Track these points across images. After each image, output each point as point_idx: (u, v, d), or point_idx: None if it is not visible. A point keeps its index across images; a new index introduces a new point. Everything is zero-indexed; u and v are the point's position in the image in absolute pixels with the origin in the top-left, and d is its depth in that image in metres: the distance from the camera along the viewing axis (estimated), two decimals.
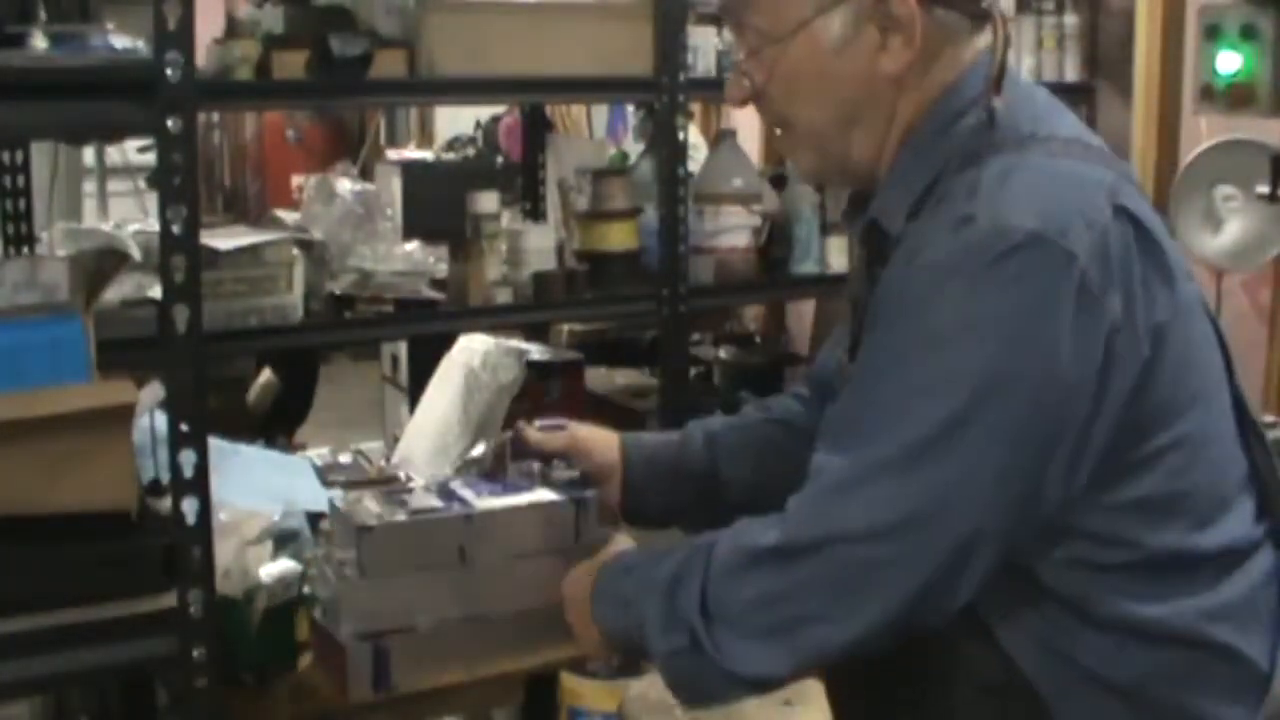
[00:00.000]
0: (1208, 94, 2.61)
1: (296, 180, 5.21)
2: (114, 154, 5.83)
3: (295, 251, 2.49)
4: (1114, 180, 1.21)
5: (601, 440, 1.76)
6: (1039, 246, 1.13)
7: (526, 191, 3.39)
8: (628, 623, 1.34)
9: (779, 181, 3.14)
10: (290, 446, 2.85)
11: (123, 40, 1.87)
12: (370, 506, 1.85)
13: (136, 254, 2.35)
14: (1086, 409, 1.15)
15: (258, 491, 2.14)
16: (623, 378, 3.35)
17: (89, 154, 5.54)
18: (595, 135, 4.97)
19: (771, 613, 1.21)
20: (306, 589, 1.94)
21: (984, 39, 1.29)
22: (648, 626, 1.30)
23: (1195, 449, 1.21)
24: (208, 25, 2.09)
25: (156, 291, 1.90)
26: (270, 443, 2.71)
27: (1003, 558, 1.18)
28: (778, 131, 1.38)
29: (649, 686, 2.43)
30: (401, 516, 1.83)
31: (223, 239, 2.44)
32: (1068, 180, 1.19)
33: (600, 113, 5.00)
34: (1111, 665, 1.21)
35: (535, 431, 1.82)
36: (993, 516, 1.16)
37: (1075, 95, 3.15)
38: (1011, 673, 1.22)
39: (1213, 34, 2.58)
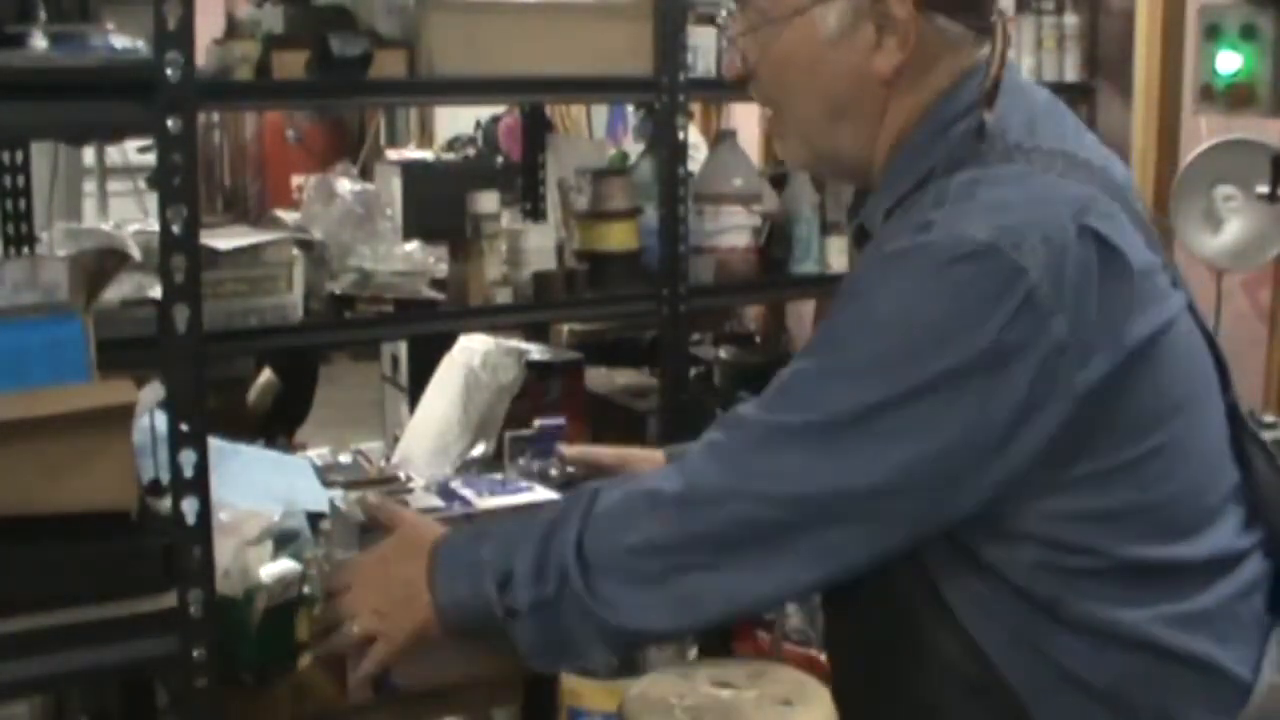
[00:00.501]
0: (1208, 94, 2.61)
1: (296, 180, 5.22)
2: (114, 154, 5.83)
3: (295, 251, 2.49)
4: (1089, 198, 1.20)
5: (649, 463, 1.74)
6: (988, 258, 1.14)
7: (526, 191, 3.39)
8: (476, 590, 1.30)
9: (779, 181, 3.14)
10: (290, 446, 2.85)
11: (123, 40, 1.87)
12: None
13: (136, 254, 2.35)
14: (1006, 422, 1.15)
15: (258, 491, 2.14)
16: (623, 378, 3.35)
17: (89, 154, 5.54)
18: (595, 135, 4.97)
19: (656, 559, 1.22)
20: (306, 589, 1.94)
21: (985, 48, 1.28)
22: (514, 581, 1.27)
23: (1174, 460, 1.21)
24: (208, 25, 2.09)
25: (156, 291, 1.90)
26: (270, 443, 2.71)
27: (903, 549, 1.21)
28: (768, 111, 1.40)
29: (649, 686, 2.43)
30: None
31: (223, 239, 2.44)
32: (1035, 196, 1.18)
33: (600, 113, 5.00)
34: (1088, 666, 1.21)
35: (591, 448, 1.82)
36: (888, 507, 1.19)
37: (1075, 95, 3.15)
38: (989, 671, 1.22)
39: (1213, 34, 2.58)
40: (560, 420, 2.07)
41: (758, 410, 1.25)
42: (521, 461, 2.00)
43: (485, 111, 5.98)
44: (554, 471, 1.98)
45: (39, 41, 1.82)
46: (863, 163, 1.33)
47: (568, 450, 1.85)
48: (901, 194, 1.27)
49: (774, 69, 1.32)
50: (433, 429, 2.62)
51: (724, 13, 1.56)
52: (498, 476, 2.01)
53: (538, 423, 2.05)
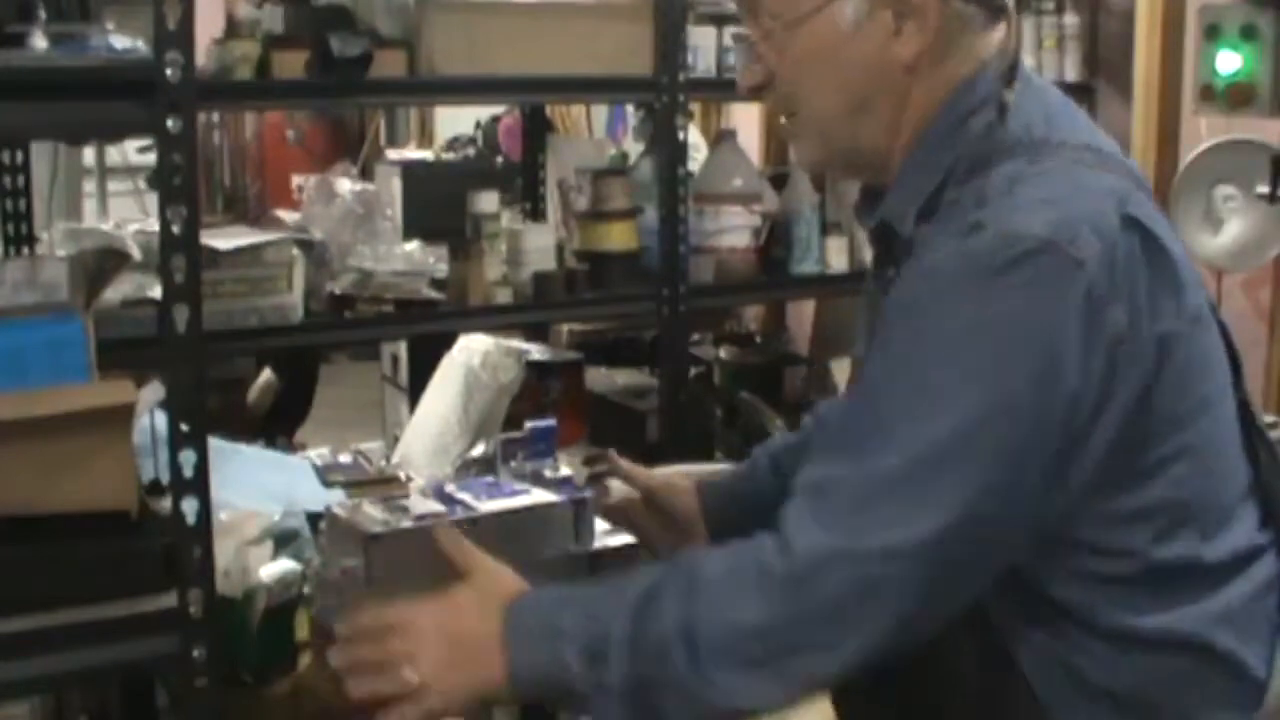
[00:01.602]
0: (1208, 94, 2.60)
1: (296, 180, 5.20)
2: (114, 154, 5.83)
3: (295, 251, 2.49)
4: (1125, 189, 1.20)
5: (684, 490, 1.71)
6: (1047, 253, 1.12)
7: (526, 191, 3.39)
8: (556, 659, 1.20)
9: (779, 181, 3.14)
10: (290, 446, 2.85)
11: (123, 40, 1.87)
12: (373, 514, 1.85)
13: (136, 254, 2.35)
14: (1086, 420, 1.14)
15: (258, 491, 2.14)
16: (623, 378, 3.35)
17: (89, 154, 5.53)
18: (595, 135, 4.96)
19: (770, 641, 1.14)
20: (306, 589, 1.94)
21: (999, 34, 1.27)
22: (605, 656, 1.17)
23: (1198, 459, 1.20)
24: (208, 25, 2.09)
25: (156, 291, 1.90)
26: (270, 443, 2.71)
27: (1004, 568, 1.17)
28: (783, 119, 1.36)
29: None
30: (407, 523, 1.82)
31: (223, 239, 2.44)
32: (1076, 188, 1.17)
33: (600, 113, 5.00)
34: (1113, 673, 1.20)
35: (630, 465, 1.78)
36: (999, 527, 1.14)
37: (1075, 95, 3.11)
38: (1012, 680, 1.21)
39: (1213, 34, 2.58)
40: (551, 422, 2.07)
41: (841, 464, 1.16)
42: (514, 464, 2.00)
43: (485, 111, 5.98)
44: (548, 473, 1.97)
45: (39, 41, 1.82)
46: (880, 157, 1.30)
47: (612, 483, 1.79)
48: (927, 190, 1.24)
49: (794, 70, 1.29)
50: (433, 429, 2.62)
51: (732, 31, 1.54)
52: (491, 479, 2.00)
53: (529, 425, 2.05)
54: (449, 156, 6.15)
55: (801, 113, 1.32)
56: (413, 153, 6.41)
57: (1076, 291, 1.11)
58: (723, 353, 3.58)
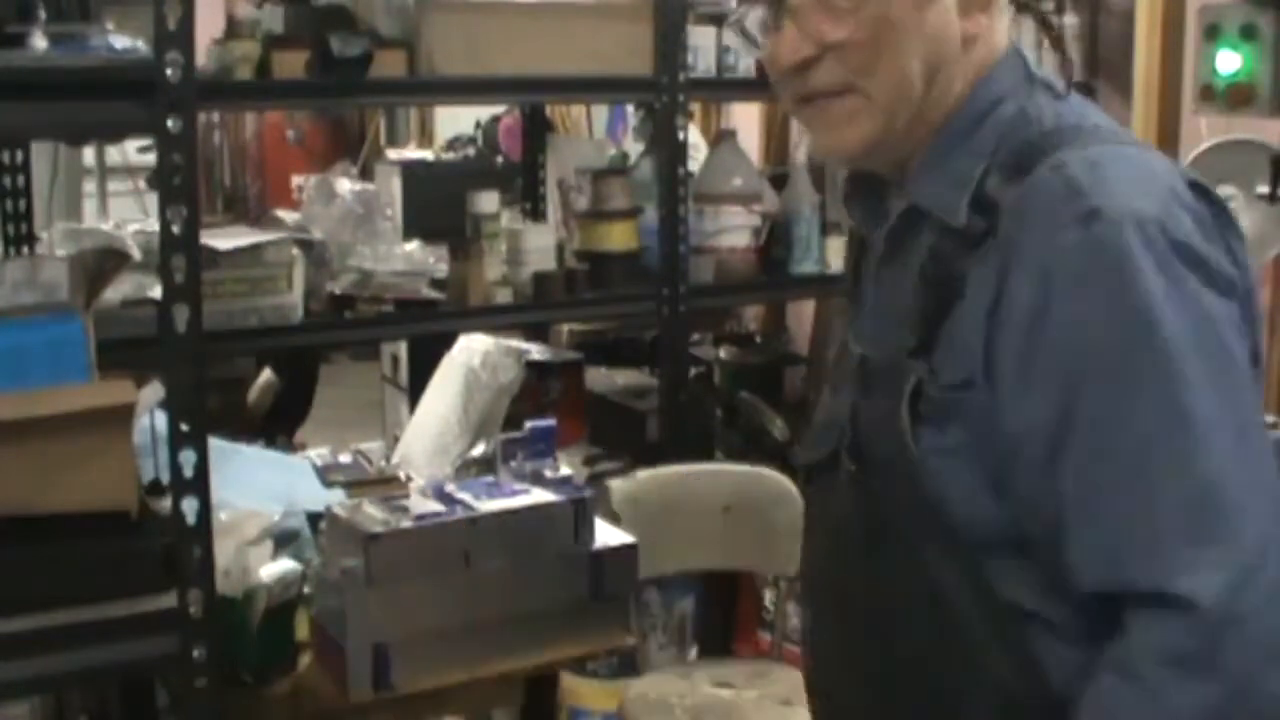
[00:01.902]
0: (1208, 94, 2.60)
1: (296, 180, 5.21)
2: (114, 154, 5.84)
3: (295, 251, 2.49)
4: (1175, 165, 1.19)
5: None
6: (1166, 228, 1.08)
7: (526, 191, 3.39)
8: None
9: (779, 181, 3.14)
10: (290, 446, 2.85)
11: (123, 40, 1.87)
12: (373, 514, 1.85)
13: (136, 254, 2.35)
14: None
15: (258, 491, 2.14)
16: (623, 378, 3.35)
17: (89, 154, 5.54)
18: (595, 135, 4.96)
19: None
20: (306, 589, 1.94)
21: (1010, 28, 1.25)
22: None
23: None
24: (208, 25, 2.09)
25: (156, 291, 1.90)
26: (270, 443, 2.71)
27: None
28: (829, 103, 1.21)
29: (649, 686, 2.43)
30: (407, 523, 1.82)
31: (223, 239, 2.44)
32: (1149, 165, 1.15)
33: (600, 113, 5.00)
34: None
35: None
36: None
37: None
38: (1046, 698, 1.14)
39: (1213, 34, 2.58)
40: (551, 422, 2.07)
41: (1183, 575, 1.03)
42: (514, 464, 2.00)
43: (485, 111, 5.98)
44: (548, 473, 1.97)
45: (39, 41, 1.82)
46: (920, 140, 1.22)
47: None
48: (971, 177, 1.17)
49: (872, 32, 1.17)
50: (433, 429, 2.62)
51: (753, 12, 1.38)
52: (491, 479, 2.00)
53: (529, 425, 2.05)
54: (449, 156, 6.15)
55: (868, 85, 1.20)
56: (413, 153, 6.42)
57: (1199, 260, 1.09)
58: (723, 353, 3.58)
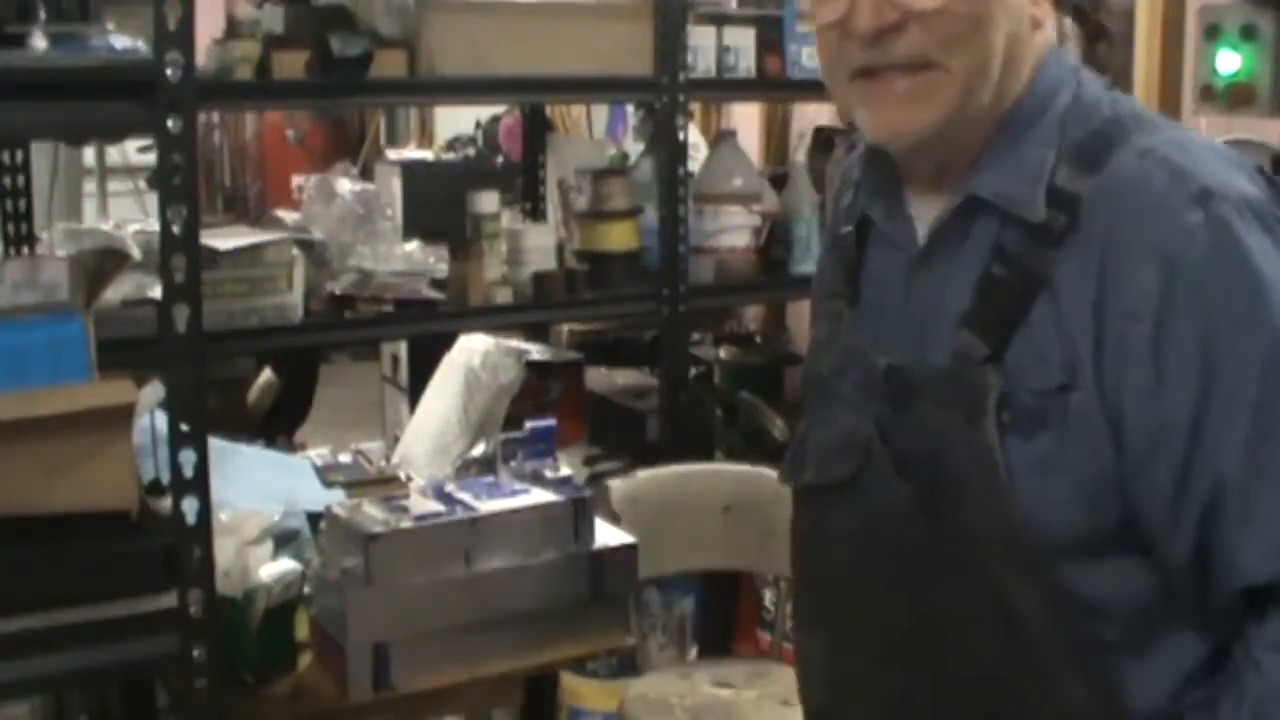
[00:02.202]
0: (1208, 94, 2.60)
1: (296, 180, 5.21)
2: (114, 154, 5.83)
3: (295, 251, 2.49)
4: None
5: None
6: (1264, 205, 1.08)
7: (526, 191, 3.39)
8: None
9: (779, 181, 3.14)
10: (290, 446, 2.85)
11: (123, 40, 1.87)
12: (373, 514, 1.85)
13: (136, 254, 2.35)
14: None
15: (258, 491, 2.13)
16: (623, 378, 3.35)
17: (89, 154, 5.54)
18: (595, 135, 4.97)
19: None
20: (306, 589, 1.94)
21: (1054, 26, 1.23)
22: None
23: None
24: (208, 25, 2.09)
25: (156, 291, 1.90)
26: (270, 443, 2.71)
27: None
28: (902, 78, 1.13)
29: (649, 686, 2.43)
30: (407, 523, 1.82)
31: (223, 239, 2.44)
32: (1216, 147, 1.14)
33: (601, 113, 5.00)
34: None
35: None
36: None
37: None
38: (1119, 714, 1.11)
39: (1213, 34, 2.58)
40: (551, 422, 2.07)
41: None
42: (514, 464, 2.00)
43: (485, 111, 5.98)
44: (548, 473, 1.97)
45: (39, 41, 1.82)
46: (980, 128, 1.15)
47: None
48: (1043, 168, 1.12)
49: (973, 8, 1.11)
50: (433, 429, 2.62)
51: None
52: (491, 479, 2.00)
53: (529, 425, 2.05)
54: (449, 156, 6.15)
55: (950, 59, 1.11)
56: (413, 153, 6.42)
57: None
58: (723, 353, 3.58)
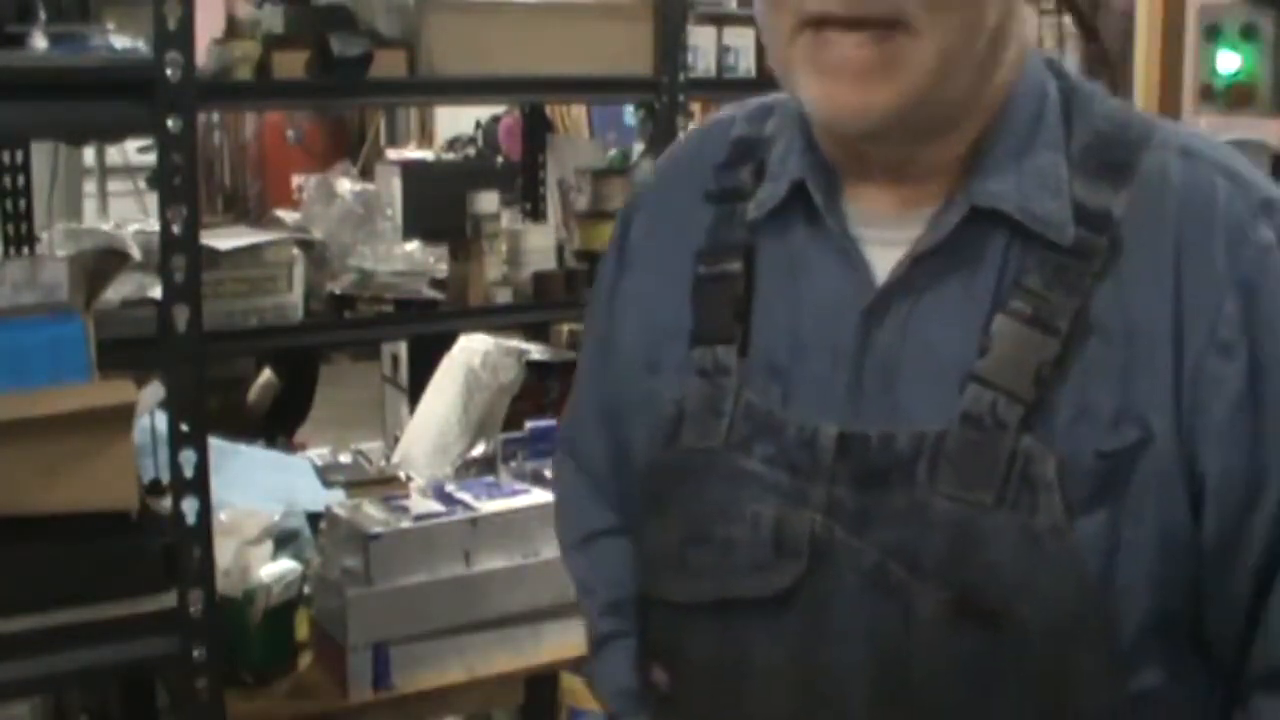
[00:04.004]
0: (1208, 94, 2.61)
1: (296, 180, 5.21)
2: (114, 154, 5.84)
3: (295, 251, 2.49)
4: None
5: None
6: None
7: (526, 191, 3.39)
8: None
9: None
10: (290, 446, 2.85)
11: (123, 40, 1.87)
12: (373, 513, 1.85)
13: (136, 254, 2.35)
14: None
15: (258, 491, 2.14)
16: None
17: (89, 154, 5.54)
18: (595, 135, 4.97)
19: None
20: (306, 589, 1.94)
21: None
22: None
23: None
24: (208, 25, 2.09)
25: (156, 291, 1.90)
26: (270, 443, 2.71)
27: None
28: (865, 42, 0.88)
29: None
30: (407, 523, 1.82)
31: (223, 239, 2.44)
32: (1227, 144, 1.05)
33: (600, 113, 5.00)
34: None
35: None
36: None
37: None
38: None
39: (1213, 34, 2.58)
40: (551, 422, 2.07)
41: None
42: (514, 464, 2.00)
43: (485, 111, 5.99)
44: (548, 473, 1.98)
45: (39, 41, 1.82)
46: (957, 125, 0.93)
47: None
48: (1061, 180, 0.92)
49: None
50: (433, 429, 2.62)
51: None
52: (491, 479, 2.01)
53: (529, 425, 2.05)
54: (449, 156, 6.16)
55: (926, 20, 0.87)
56: (413, 153, 6.42)
57: None
58: None
